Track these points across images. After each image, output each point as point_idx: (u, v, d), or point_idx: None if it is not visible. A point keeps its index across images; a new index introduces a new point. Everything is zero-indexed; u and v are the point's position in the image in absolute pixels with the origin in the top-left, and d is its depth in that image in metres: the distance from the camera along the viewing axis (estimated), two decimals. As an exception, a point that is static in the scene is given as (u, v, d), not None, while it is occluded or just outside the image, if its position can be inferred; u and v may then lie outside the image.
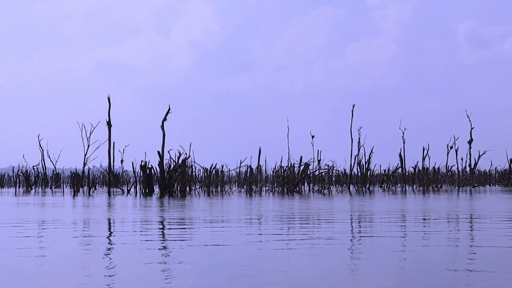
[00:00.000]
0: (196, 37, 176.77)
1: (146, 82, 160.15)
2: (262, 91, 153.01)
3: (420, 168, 53.93)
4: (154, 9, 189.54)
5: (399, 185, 52.30)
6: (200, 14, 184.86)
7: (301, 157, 43.81)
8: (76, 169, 49.07)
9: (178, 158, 37.01)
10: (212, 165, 39.72)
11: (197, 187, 40.49)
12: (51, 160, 56.45)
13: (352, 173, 50.50)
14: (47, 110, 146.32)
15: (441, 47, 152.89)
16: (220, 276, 6.48)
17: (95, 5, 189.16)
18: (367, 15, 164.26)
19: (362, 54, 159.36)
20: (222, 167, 41.62)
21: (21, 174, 56.72)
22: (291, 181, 40.96)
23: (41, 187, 55.71)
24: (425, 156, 57.56)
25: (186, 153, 40.67)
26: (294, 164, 42.50)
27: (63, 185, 55.05)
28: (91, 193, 37.45)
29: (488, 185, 61.11)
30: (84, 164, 50.64)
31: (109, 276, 6.56)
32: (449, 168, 58.81)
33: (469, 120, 66.88)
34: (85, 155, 50.86)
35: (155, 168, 36.95)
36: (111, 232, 11.54)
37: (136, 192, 37.07)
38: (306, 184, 45.08)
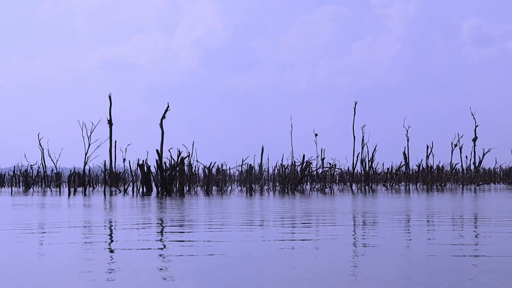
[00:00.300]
0: (201, 35, 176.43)
1: (150, 80, 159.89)
2: (267, 89, 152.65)
3: (424, 166, 53.32)
4: (158, 8, 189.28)
5: (402, 183, 51.64)
6: (204, 13, 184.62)
7: (304, 155, 43.19)
8: (74, 168, 48.51)
9: (178, 156, 36.39)
10: (211, 164, 39.01)
11: (196, 186, 39.81)
12: (51, 159, 55.94)
13: (355, 171, 49.87)
14: (51, 110, 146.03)
15: (446, 45, 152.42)
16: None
17: (100, 4, 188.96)
18: (371, 13, 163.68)
19: (366, 53, 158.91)
20: (222, 165, 40.92)
21: (19, 174, 56.21)
22: (292, 179, 40.31)
23: (41, 187, 55.20)
24: (429, 154, 56.96)
25: (189, 152, 40.18)
26: (294, 162, 41.84)
27: (62, 185, 54.55)
28: (87, 192, 36.74)
29: (492, 183, 60.58)
30: (85, 163, 50.16)
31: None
32: (453, 166, 58.22)
33: (474, 118, 66.37)
34: (85, 154, 50.41)
35: (154, 166, 36.36)
36: (87, 236, 10.87)
37: (133, 191, 36.37)
38: (308, 182, 44.48)
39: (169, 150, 37.30)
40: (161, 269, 6.84)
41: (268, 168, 51.29)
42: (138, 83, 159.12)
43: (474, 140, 66.32)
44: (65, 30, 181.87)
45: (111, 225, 12.94)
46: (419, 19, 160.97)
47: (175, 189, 36.21)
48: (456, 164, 59.14)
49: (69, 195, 33.12)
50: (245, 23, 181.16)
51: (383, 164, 51.86)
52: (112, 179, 47.75)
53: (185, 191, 36.56)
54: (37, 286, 6.06)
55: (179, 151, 36.61)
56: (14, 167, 56.85)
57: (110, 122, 54.05)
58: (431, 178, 51.11)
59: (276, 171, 42.48)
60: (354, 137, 51.11)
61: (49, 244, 9.40)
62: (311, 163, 41.45)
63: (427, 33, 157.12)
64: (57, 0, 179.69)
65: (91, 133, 50.32)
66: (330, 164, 45.97)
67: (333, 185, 44.24)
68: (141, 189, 36.20)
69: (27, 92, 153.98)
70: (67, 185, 54.57)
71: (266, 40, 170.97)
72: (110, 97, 53.66)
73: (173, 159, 36.39)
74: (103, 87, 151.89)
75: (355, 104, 51.73)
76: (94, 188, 49.30)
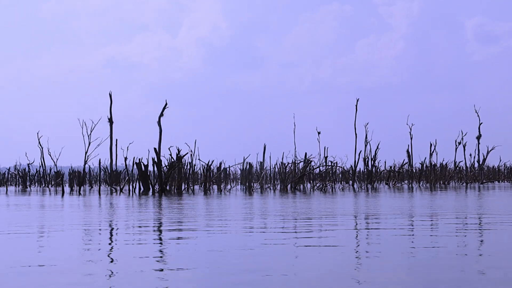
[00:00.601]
0: (204, 34, 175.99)
1: (153, 79, 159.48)
2: (270, 88, 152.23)
3: (427, 165, 52.80)
4: (162, 7, 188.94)
5: (405, 182, 51.11)
6: (208, 12, 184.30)
7: (306, 153, 42.66)
8: (71, 166, 48.12)
9: (177, 155, 35.89)
10: (209, 162, 38.42)
11: (193, 184, 39.22)
12: (51, 158, 55.53)
13: (356, 169, 49.35)
14: (53, 109, 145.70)
15: (450, 43, 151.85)
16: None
17: (103, 3, 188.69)
18: (375, 11, 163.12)
19: (370, 51, 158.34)
20: (221, 163, 40.33)
21: (16, 173, 55.84)
22: (292, 178, 39.72)
23: (40, 186, 54.78)
24: (433, 152, 56.43)
25: (191, 150, 39.71)
26: (294, 160, 41.23)
27: (61, 184, 54.08)
28: (81, 192, 36.09)
29: (497, 182, 60.08)
30: (85, 162, 49.77)
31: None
32: (457, 164, 57.69)
33: (478, 116, 65.78)
34: (86, 152, 50.03)
35: (153, 165, 35.82)
36: (51, 238, 10.32)
37: (129, 190, 35.83)
38: (309, 181, 43.92)
39: (169, 149, 36.83)
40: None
41: (270, 166, 50.86)
42: (141, 82, 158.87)
43: (478, 137, 65.74)
44: (68, 30, 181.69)
45: (84, 227, 12.31)
46: (423, 17, 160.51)
47: (172, 188, 35.70)
48: (459, 162, 58.66)
49: (62, 194, 32.53)
50: (248, 22, 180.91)
51: (385, 162, 51.36)
52: (112, 178, 47.34)
53: (182, 190, 36.02)
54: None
55: (179, 150, 36.12)
56: (14, 166, 56.44)
57: (110, 121, 53.68)
58: (435, 176, 50.60)
59: (276, 169, 41.92)
60: (355, 134, 50.66)
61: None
62: (311, 161, 40.86)
63: (430, 31, 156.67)
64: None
65: (91, 131, 49.98)
66: (331, 162, 45.45)
67: (334, 183, 43.66)
68: (137, 188, 35.70)
69: (29, 92, 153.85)
70: (66, 184, 54.28)
71: (270, 38, 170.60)
72: (110, 95, 53.31)
73: (173, 158, 35.91)
74: (106, 86, 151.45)
75: (357, 101, 51.31)
76: (92, 187, 48.88)
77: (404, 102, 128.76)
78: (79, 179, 39.05)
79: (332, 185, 41.67)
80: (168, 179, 35.12)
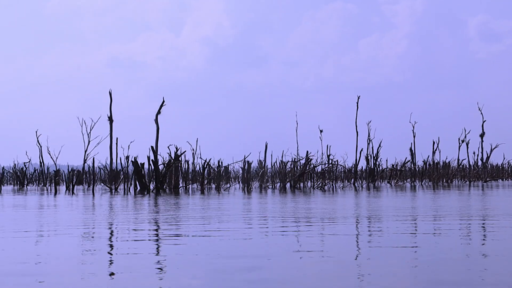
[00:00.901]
0: (208, 33, 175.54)
1: (157, 78, 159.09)
2: (273, 87, 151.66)
3: (430, 163, 52.28)
4: (165, 6, 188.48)
5: (408, 180, 50.55)
6: (211, 10, 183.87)
7: (307, 151, 42.12)
8: (68, 165, 47.72)
9: (175, 153, 35.42)
10: (205, 160, 37.85)
11: (193, 183, 38.62)
12: (51, 157, 55.16)
13: (357, 168, 48.82)
14: (56, 109, 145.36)
15: (453, 41, 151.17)
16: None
17: (107, 2, 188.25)
18: (378, 10, 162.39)
19: (373, 49, 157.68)
20: (219, 162, 39.80)
21: (12, 171, 55.52)
22: (291, 176, 39.10)
23: (38, 185, 54.39)
24: (435, 150, 55.89)
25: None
26: (293, 158, 40.65)
27: (60, 183, 53.70)
28: (75, 191, 35.45)
29: (500, 180, 59.59)
30: (84, 161, 49.41)
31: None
32: (460, 162, 57.19)
33: (481, 113, 65.26)
34: (85, 151, 49.68)
35: (150, 164, 35.34)
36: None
37: (124, 189, 35.33)
38: (309, 180, 43.37)
39: (168, 147, 36.41)
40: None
41: (272, 165, 50.41)
42: (144, 81, 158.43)
43: (482, 135, 65.19)
44: (71, 28, 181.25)
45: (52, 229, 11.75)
46: (426, 16, 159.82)
47: (169, 187, 35.19)
48: (462, 160, 58.14)
49: (55, 194, 32.09)
50: (252, 21, 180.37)
51: (386, 160, 50.82)
52: (112, 177, 46.92)
53: (179, 188, 35.46)
54: None
55: (177, 148, 35.68)
56: (15, 165, 56.08)
57: (110, 119, 53.26)
58: (437, 175, 50.08)
59: (275, 168, 41.30)
60: (357, 132, 50.11)
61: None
62: (311, 159, 40.27)
63: (434, 29, 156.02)
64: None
65: (90, 130, 49.62)
66: (331, 160, 44.92)
67: (335, 182, 43.03)
68: (133, 187, 35.22)
69: (32, 90, 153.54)
70: (63, 184, 53.91)
71: (273, 37, 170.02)
72: (110, 94, 52.88)
73: (171, 157, 35.47)
74: (109, 85, 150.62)
75: (358, 98, 50.74)
76: (89, 186, 48.48)
77: (407, 100, 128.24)
78: (69, 178, 38.56)
79: (332, 184, 41.14)
80: (165, 178, 34.65)
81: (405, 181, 49.72)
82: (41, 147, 54.74)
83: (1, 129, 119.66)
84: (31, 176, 54.93)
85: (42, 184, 53.69)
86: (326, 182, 40.56)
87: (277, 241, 9.80)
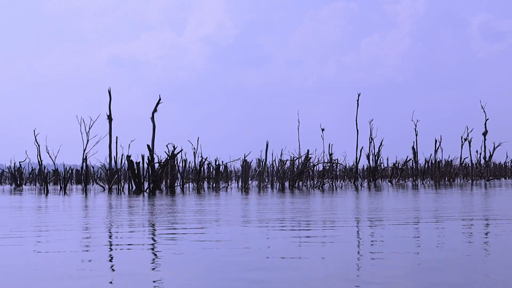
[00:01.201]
0: (209, 32, 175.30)
1: (158, 78, 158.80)
2: (275, 86, 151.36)
3: (433, 161, 51.77)
4: (167, 5, 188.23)
5: (410, 179, 50.03)
6: (213, 10, 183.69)
7: (308, 150, 41.61)
8: (63, 164, 47.36)
9: (172, 152, 34.96)
10: (202, 159, 37.30)
11: (188, 183, 38.04)
12: (50, 156, 54.77)
13: (358, 167, 48.30)
14: (57, 108, 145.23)
15: (455, 40, 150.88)
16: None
17: (108, 1, 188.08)
18: (380, 9, 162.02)
19: (375, 49, 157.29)
20: (216, 160, 39.29)
21: (7, 171, 55.17)
22: (290, 175, 38.46)
23: (35, 184, 54.00)
24: (438, 148, 55.32)
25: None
26: (292, 157, 40.06)
27: (46, 182, 53.25)
28: (66, 191, 34.93)
29: (503, 178, 59.13)
30: (83, 160, 48.98)
31: None
32: (463, 160, 56.67)
33: (484, 111, 64.68)
34: (84, 150, 49.28)
35: (146, 162, 34.86)
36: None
37: (118, 189, 34.80)
38: (309, 179, 42.84)
39: (167, 146, 35.95)
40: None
41: (272, 163, 49.95)
42: (146, 81, 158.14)
43: (485, 134, 64.61)
44: (72, 28, 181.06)
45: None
46: (428, 15, 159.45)
47: (165, 186, 34.69)
48: (465, 159, 57.62)
49: (46, 194, 31.61)
50: (253, 20, 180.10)
51: (387, 159, 50.28)
52: (110, 176, 46.54)
53: (175, 188, 34.88)
54: None
55: (174, 147, 35.22)
56: (14, 164, 55.70)
57: (109, 118, 52.82)
58: (439, 173, 49.56)
59: (274, 166, 40.69)
60: (357, 130, 49.53)
61: None
62: (310, 157, 39.71)
63: (436, 28, 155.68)
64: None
65: (89, 128, 49.24)
66: (330, 159, 44.37)
67: (335, 181, 42.40)
68: (128, 187, 34.78)
69: (33, 90, 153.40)
70: (59, 183, 53.54)
71: (275, 37, 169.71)
72: (109, 92, 52.44)
73: (169, 156, 35.01)
74: (111, 85, 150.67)
75: (358, 96, 50.19)
76: (86, 185, 48.01)
77: (409, 99, 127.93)
78: (64, 177, 38.17)
79: (332, 183, 40.60)
80: (162, 177, 34.22)
81: (406, 180, 49.21)
82: (39, 146, 54.26)
83: (1, 129, 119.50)
84: (29, 175, 54.54)
85: (39, 184, 53.32)
86: (325, 181, 40.01)
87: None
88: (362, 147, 48.57)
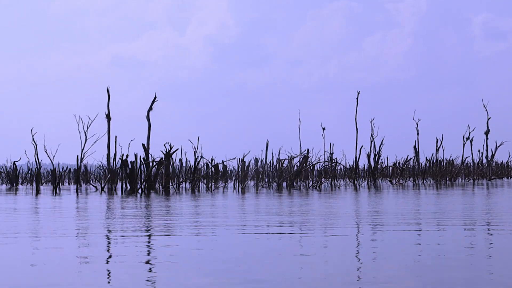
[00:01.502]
0: (212, 32, 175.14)
1: (161, 77, 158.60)
2: (277, 85, 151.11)
3: (434, 161, 51.25)
4: (169, 5, 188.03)
5: (411, 179, 49.49)
6: (215, 9, 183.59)
7: (308, 149, 41.06)
8: (59, 164, 46.90)
9: (168, 152, 34.46)
10: (196, 159, 36.75)
11: (180, 182, 37.40)
12: (48, 155, 54.33)
13: (358, 166, 47.77)
14: (58, 108, 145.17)
15: (457, 39, 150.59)
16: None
17: (110, 1, 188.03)
18: (382, 8, 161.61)
19: (377, 48, 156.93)
20: (212, 160, 38.77)
21: (1, 170, 54.77)
22: (287, 175, 37.87)
23: (31, 184, 53.58)
24: (439, 147, 54.73)
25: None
26: (289, 156, 39.49)
27: (38, 182, 52.81)
28: (57, 191, 34.38)
29: (505, 178, 58.63)
30: (81, 160, 48.47)
31: None
32: (464, 160, 56.13)
33: (486, 110, 64.12)
34: (82, 149, 48.82)
35: (141, 162, 34.35)
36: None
37: (111, 189, 34.27)
38: (310, 178, 42.32)
39: (164, 145, 35.47)
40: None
41: (269, 162, 49.47)
42: (148, 80, 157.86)
43: (487, 133, 64.03)
44: (75, 27, 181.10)
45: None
46: (430, 14, 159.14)
47: (160, 186, 34.19)
48: (466, 158, 57.08)
49: (37, 194, 31.11)
50: (256, 19, 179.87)
51: (387, 158, 49.71)
52: (111, 176, 46.15)
53: (169, 188, 34.32)
54: None
55: (171, 146, 34.75)
56: (14, 164, 55.31)
57: (108, 117, 52.32)
58: (440, 173, 49.04)
59: (272, 165, 40.13)
60: (356, 129, 48.88)
61: None
62: (308, 156, 39.15)
63: (438, 28, 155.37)
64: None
65: (87, 128, 48.69)
66: (331, 158, 43.83)
67: (334, 180, 41.83)
68: (121, 187, 34.29)
69: (34, 90, 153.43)
70: (60, 182, 53.11)
71: (277, 36, 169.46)
72: (108, 91, 51.93)
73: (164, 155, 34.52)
74: (112, 84, 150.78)
75: (358, 94, 49.61)
76: (80, 186, 47.53)
77: (411, 98, 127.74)
78: (53, 177, 37.72)
79: (331, 183, 40.06)
80: (156, 176, 33.75)
81: (407, 180, 48.67)
82: (36, 145, 53.85)
83: (1, 128, 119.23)
84: (25, 175, 54.15)
85: (39, 183, 52.89)
86: (323, 180, 39.48)
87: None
88: (362, 146, 48.01)
